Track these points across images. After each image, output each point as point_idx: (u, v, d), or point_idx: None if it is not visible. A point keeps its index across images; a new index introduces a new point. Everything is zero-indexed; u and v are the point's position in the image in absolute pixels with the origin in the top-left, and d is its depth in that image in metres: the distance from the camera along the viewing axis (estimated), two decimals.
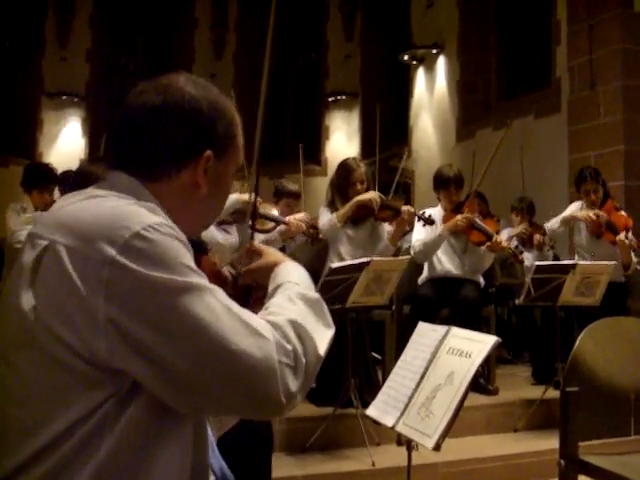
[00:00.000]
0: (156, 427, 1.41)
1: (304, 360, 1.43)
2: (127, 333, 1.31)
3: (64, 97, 14.49)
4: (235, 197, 4.89)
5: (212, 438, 1.87)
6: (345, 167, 5.63)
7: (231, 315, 1.37)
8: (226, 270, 1.84)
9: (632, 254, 5.95)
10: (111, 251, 1.33)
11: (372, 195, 5.43)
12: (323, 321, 1.56)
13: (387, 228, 5.64)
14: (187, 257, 1.40)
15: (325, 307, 1.60)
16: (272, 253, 1.86)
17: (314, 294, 1.62)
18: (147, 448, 1.40)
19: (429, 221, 5.61)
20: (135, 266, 1.32)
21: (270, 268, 1.77)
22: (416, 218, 5.70)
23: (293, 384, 1.39)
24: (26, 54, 14.43)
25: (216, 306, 1.37)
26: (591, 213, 6.08)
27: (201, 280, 1.39)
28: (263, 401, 1.38)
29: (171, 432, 1.44)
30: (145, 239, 1.35)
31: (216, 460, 1.80)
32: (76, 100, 14.61)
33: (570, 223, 6.32)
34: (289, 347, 1.41)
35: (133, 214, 1.40)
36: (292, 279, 1.66)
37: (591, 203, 6.25)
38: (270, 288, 1.67)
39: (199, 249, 1.74)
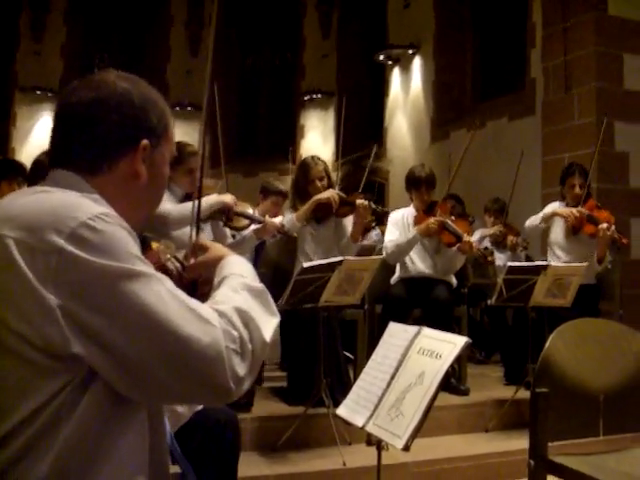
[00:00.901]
0: (113, 413, 1.44)
1: (250, 346, 1.48)
2: (78, 320, 1.35)
3: (38, 92, 14.42)
4: (215, 198, 4.92)
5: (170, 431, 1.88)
6: (303, 165, 5.70)
7: (178, 302, 1.41)
8: (171, 264, 1.85)
9: (607, 251, 5.95)
10: (59, 240, 1.36)
11: (330, 194, 5.43)
12: (268, 310, 1.62)
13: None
14: (133, 246, 1.44)
15: (269, 297, 1.66)
16: (217, 248, 1.90)
17: (258, 285, 1.67)
18: (105, 434, 1.43)
19: (383, 212, 5.65)
20: (83, 254, 1.36)
21: (215, 262, 1.81)
22: (388, 218, 5.71)
23: (241, 369, 1.44)
24: (0, 48, 14.32)
25: (163, 293, 1.41)
26: (574, 210, 6.05)
27: (147, 268, 1.43)
28: (211, 386, 1.42)
29: (128, 418, 1.47)
30: (92, 228, 1.39)
31: (177, 453, 1.80)
32: (50, 95, 14.53)
33: (550, 220, 6.28)
34: (235, 333, 1.45)
35: (79, 205, 1.44)
36: (237, 271, 1.71)
37: (574, 197, 6.17)
38: (216, 281, 1.71)
39: (142, 244, 1.75)
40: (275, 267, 5.88)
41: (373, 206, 5.51)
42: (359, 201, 5.40)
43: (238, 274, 1.69)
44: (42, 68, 14.54)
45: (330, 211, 5.44)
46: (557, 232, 6.33)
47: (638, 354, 3.02)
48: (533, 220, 6.37)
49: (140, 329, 1.36)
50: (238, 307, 1.52)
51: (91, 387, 1.39)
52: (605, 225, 5.80)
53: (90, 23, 15.65)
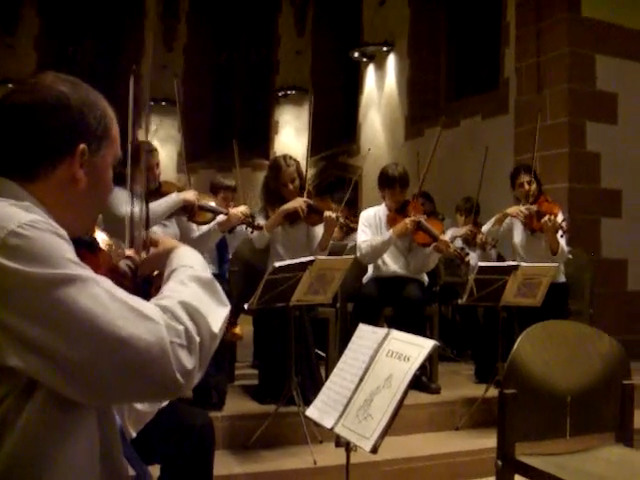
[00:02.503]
0: (59, 420, 1.43)
1: (198, 338, 1.46)
2: (14, 331, 1.32)
3: (10, 85, 14.24)
4: (176, 197, 4.91)
5: (131, 434, 1.87)
6: (275, 167, 5.57)
7: (118, 302, 1.39)
8: (123, 264, 1.84)
9: (562, 241, 6.01)
10: None
11: (297, 204, 5.36)
12: (217, 300, 1.60)
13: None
14: (67, 250, 1.41)
15: (219, 287, 1.64)
16: (168, 241, 1.89)
17: (207, 275, 1.65)
18: (52, 441, 1.42)
19: (350, 228, 5.63)
20: (13, 264, 1.32)
21: (166, 254, 1.80)
22: (361, 222, 5.69)
23: (189, 362, 1.42)
24: None
25: (101, 295, 1.37)
26: (522, 208, 6.17)
27: (83, 271, 1.39)
28: (160, 383, 1.40)
29: (76, 425, 1.46)
30: (21, 236, 1.35)
31: (132, 455, 1.79)
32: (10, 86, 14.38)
33: (502, 221, 6.36)
34: (180, 327, 1.43)
35: (7, 214, 1.40)
36: (186, 263, 1.70)
37: (525, 195, 6.30)
38: (165, 274, 1.70)
39: (92, 246, 1.74)
40: (247, 265, 5.88)
41: (341, 220, 5.44)
42: (327, 213, 5.34)
43: (188, 266, 1.67)
44: (15, 61, 14.39)
45: (299, 217, 5.43)
46: (517, 234, 6.43)
47: (604, 356, 3.06)
48: (488, 225, 6.49)
49: (81, 335, 1.33)
50: (183, 300, 1.50)
51: (34, 395, 1.38)
52: (546, 218, 5.91)
53: (63, 15, 15.52)
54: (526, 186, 6.29)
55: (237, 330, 5.33)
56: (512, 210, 6.26)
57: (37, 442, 1.40)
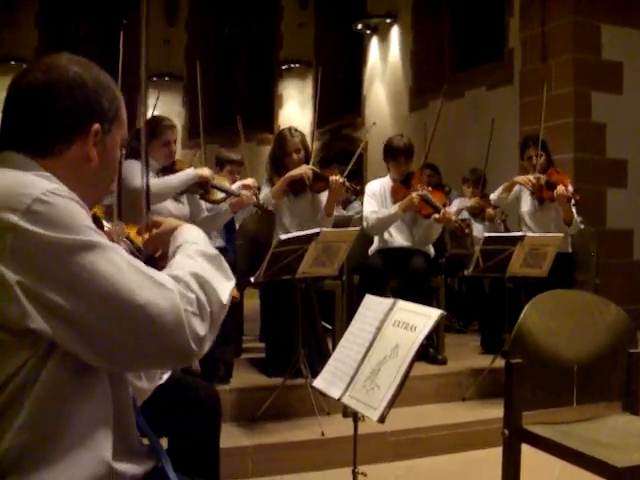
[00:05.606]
0: (73, 385, 1.46)
1: (209, 308, 1.51)
2: (38, 294, 1.36)
3: (12, 62, 14.21)
4: (192, 172, 4.92)
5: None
6: (280, 137, 5.69)
7: (135, 269, 1.44)
8: (124, 245, 1.87)
9: (574, 210, 6.02)
10: (13, 218, 1.37)
11: (303, 170, 5.46)
12: (223, 274, 1.65)
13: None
14: (87, 218, 1.46)
15: (224, 262, 1.69)
16: (170, 221, 1.92)
17: (212, 250, 1.70)
18: (67, 405, 1.46)
19: (356, 191, 5.67)
20: (38, 229, 1.37)
21: (169, 234, 1.84)
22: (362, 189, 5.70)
23: (201, 329, 1.48)
24: None
25: (120, 262, 1.43)
26: (531, 177, 6.15)
27: (102, 239, 1.45)
28: (175, 349, 1.46)
29: (89, 389, 1.50)
30: (45, 203, 1.40)
31: (144, 425, 1.81)
32: (25, 66, 14.30)
33: (511, 188, 6.35)
34: (192, 296, 1.49)
35: (31, 182, 1.45)
36: (190, 239, 1.74)
37: (533, 168, 6.30)
38: (170, 251, 1.75)
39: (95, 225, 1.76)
40: (253, 239, 5.89)
41: (347, 183, 5.51)
42: (332, 178, 5.44)
43: (192, 242, 1.72)
44: (16, 38, 14.34)
45: (305, 185, 5.47)
46: (525, 204, 6.43)
47: (611, 324, 3.06)
48: (497, 192, 6.47)
49: (100, 299, 1.38)
50: (193, 271, 1.55)
51: (50, 360, 1.42)
52: (560, 188, 5.91)
53: None
54: (534, 159, 6.28)
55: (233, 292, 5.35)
56: (521, 178, 6.26)
57: (52, 406, 1.43)
